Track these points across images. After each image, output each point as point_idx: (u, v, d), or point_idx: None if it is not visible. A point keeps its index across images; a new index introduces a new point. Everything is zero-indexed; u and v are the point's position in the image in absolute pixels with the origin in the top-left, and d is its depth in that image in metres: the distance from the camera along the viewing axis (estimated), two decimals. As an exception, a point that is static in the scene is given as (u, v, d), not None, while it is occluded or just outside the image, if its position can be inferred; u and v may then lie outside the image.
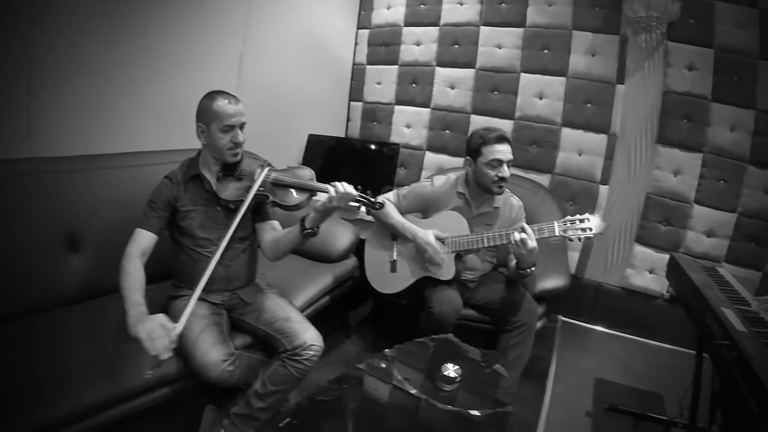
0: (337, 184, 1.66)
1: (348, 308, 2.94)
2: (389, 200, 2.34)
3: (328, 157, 3.52)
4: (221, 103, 1.70)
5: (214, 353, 1.58)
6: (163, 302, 1.83)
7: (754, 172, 2.85)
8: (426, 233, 2.20)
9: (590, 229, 1.97)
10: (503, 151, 2.16)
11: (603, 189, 3.13)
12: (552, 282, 2.43)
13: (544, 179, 3.23)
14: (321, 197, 1.69)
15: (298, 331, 1.72)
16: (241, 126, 1.75)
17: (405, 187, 2.40)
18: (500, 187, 2.19)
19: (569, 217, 2.01)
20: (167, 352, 1.43)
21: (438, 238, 2.20)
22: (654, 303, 3.03)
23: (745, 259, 2.90)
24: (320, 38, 3.53)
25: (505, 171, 2.16)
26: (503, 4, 3.30)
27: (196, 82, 2.08)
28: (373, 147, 3.47)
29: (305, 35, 3.38)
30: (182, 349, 1.58)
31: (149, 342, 1.42)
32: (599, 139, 3.11)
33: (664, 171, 3.00)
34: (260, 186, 1.73)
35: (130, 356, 1.54)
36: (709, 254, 2.95)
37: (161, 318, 1.49)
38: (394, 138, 3.66)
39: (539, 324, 2.37)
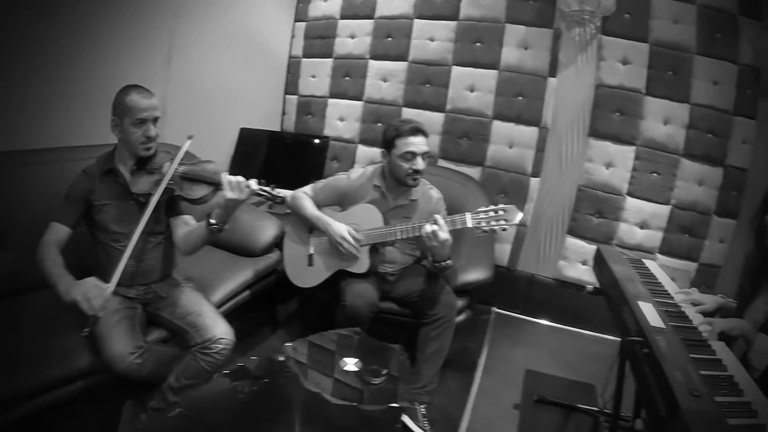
0: (231, 177, 1.71)
1: (277, 302, 2.86)
2: (306, 193, 2.30)
3: (259, 151, 3.42)
4: (134, 98, 1.73)
5: (122, 345, 1.61)
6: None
7: (688, 165, 2.91)
8: (339, 227, 2.16)
9: (505, 221, 1.96)
10: (417, 143, 2.13)
11: (534, 181, 3.13)
12: (473, 275, 2.39)
13: (474, 172, 3.22)
14: None
15: (208, 325, 1.76)
16: (154, 120, 1.77)
17: (322, 180, 2.36)
18: (414, 179, 2.17)
19: (483, 208, 2.00)
20: (102, 311, 1.54)
21: (352, 236, 2.16)
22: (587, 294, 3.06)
23: (680, 250, 2.96)
24: (255, 30, 3.44)
25: (419, 163, 2.13)
26: (438, -4, 3.26)
27: (123, 76, 2.02)
28: (303, 141, 3.42)
29: (240, 27, 3.28)
30: (94, 342, 1.64)
31: (86, 303, 1.51)
32: (530, 132, 3.11)
33: (596, 164, 3.02)
34: (170, 180, 1.76)
35: (47, 350, 1.60)
36: (643, 246, 3.00)
37: (93, 280, 1.58)
38: (328, 131, 3.59)
39: (462, 317, 2.37)
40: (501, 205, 1.98)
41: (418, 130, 2.14)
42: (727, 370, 1.23)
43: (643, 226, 2.99)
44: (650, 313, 1.47)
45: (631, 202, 2.98)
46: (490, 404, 2.28)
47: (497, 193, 3.17)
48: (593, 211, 3.04)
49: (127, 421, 1.66)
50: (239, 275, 2.34)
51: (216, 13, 3.04)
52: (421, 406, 2.02)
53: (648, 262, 2.11)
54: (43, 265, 1.65)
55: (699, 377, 1.14)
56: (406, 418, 1.98)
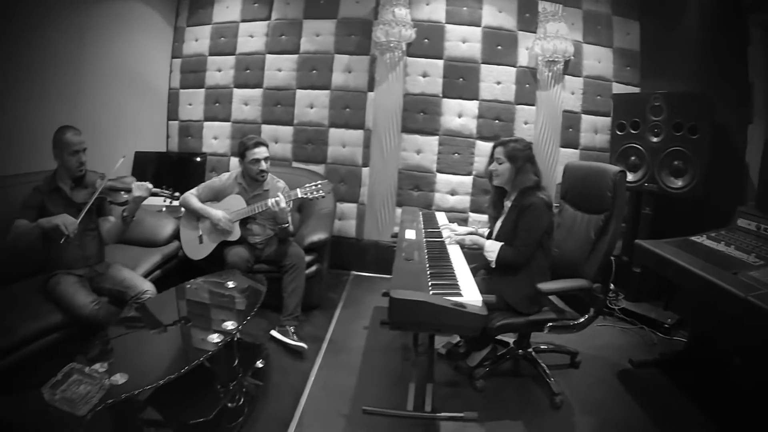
0: (139, 183, 2.48)
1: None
2: (192, 194, 3.11)
3: (154, 168, 4.10)
4: (69, 135, 2.40)
5: (83, 297, 2.30)
6: (40, 284, 2.43)
7: (481, 145, 3.97)
8: (217, 212, 3.00)
9: (322, 190, 2.88)
10: (260, 152, 3.00)
11: (365, 170, 4.11)
12: (316, 236, 3.27)
13: (319, 168, 4.14)
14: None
15: (137, 284, 2.49)
16: (84, 150, 2.45)
17: (203, 183, 3.19)
18: (263, 176, 3.05)
19: (308, 185, 2.89)
20: (73, 233, 2.26)
21: (225, 217, 2.99)
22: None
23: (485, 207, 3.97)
24: (140, 70, 4.11)
25: (263, 165, 3.02)
26: (283, 36, 4.16)
27: (51, 117, 2.75)
28: (186, 158, 4.16)
29: (126, 69, 3.94)
30: (61, 304, 2.28)
31: (63, 226, 2.23)
32: (357, 134, 4.09)
33: (409, 152, 4.05)
34: (100, 192, 2.45)
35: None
36: (456, 208, 4.04)
37: (65, 215, 2.29)
38: (205, 148, 4.34)
39: (314, 268, 3.26)
40: (319, 182, 2.90)
41: (259, 143, 3.01)
42: (450, 260, 2.24)
43: (453, 193, 4.04)
44: (410, 234, 2.57)
45: (440, 177, 4.03)
46: (346, 328, 3.17)
47: (338, 182, 4.12)
48: (412, 186, 4.06)
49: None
50: (151, 258, 3.07)
51: (107, 58, 3.70)
52: (291, 328, 2.85)
53: (438, 214, 3.24)
54: (20, 231, 2.26)
55: (428, 260, 2.16)
56: (274, 332, 2.85)
